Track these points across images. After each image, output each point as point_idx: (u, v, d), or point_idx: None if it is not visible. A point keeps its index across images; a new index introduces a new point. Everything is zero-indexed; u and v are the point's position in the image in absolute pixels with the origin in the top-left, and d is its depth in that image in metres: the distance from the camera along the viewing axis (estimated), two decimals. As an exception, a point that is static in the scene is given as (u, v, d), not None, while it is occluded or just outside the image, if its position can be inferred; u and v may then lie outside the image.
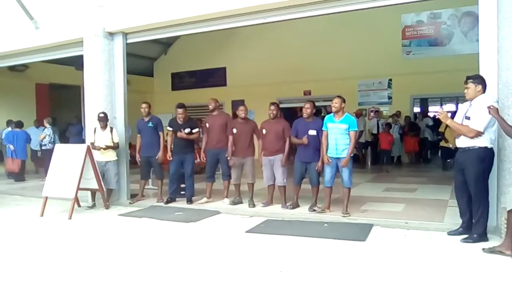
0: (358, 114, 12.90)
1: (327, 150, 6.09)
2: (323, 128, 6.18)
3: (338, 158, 6.00)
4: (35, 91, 13.64)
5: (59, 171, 7.01)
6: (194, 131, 7.43)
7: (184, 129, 7.34)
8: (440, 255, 4.33)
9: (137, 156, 7.73)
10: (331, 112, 6.24)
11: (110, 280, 3.89)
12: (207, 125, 7.37)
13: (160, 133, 7.63)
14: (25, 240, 5.43)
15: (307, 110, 6.49)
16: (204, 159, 7.42)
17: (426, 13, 13.34)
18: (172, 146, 7.56)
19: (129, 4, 7.63)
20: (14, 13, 8.70)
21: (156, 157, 7.51)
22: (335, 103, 6.06)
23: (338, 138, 5.98)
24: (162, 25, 7.50)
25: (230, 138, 7.08)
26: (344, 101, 6.15)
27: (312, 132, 6.36)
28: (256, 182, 7.07)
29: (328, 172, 6.11)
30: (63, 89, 14.20)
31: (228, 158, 7.08)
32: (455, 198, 5.17)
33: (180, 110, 7.39)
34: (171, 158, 7.45)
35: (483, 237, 4.66)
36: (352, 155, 6.08)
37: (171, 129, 7.48)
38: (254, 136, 7.14)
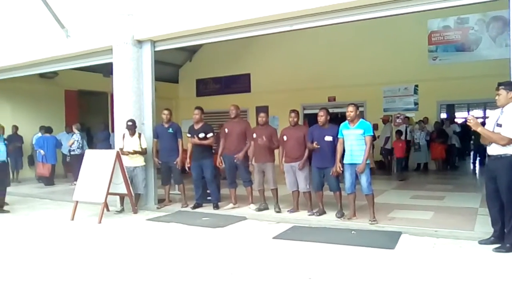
0: (385, 120, 12.80)
1: (343, 157, 6.11)
2: (338, 136, 6.23)
3: (354, 164, 5.99)
4: (64, 97, 13.98)
5: (89, 176, 7.17)
6: (208, 135, 7.48)
7: (198, 134, 7.42)
8: (472, 265, 4.26)
9: (155, 160, 7.84)
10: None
11: (141, 284, 3.97)
12: (226, 130, 7.43)
13: (179, 140, 7.76)
14: (57, 243, 5.58)
15: (321, 117, 6.53)
16: (221, 164, 7.48)
17: (453, 18, 13.15)
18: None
19: (157, 13, 7.78)
20: (45, 22, 8.96)
21: (175, 162, 7.61)
22: (350, 112, 6.08)
23: (354, 144, 5.99)
24: (189, 33, 7.62)
25: (252, 143, 7.15)
26: (357, 108, 6.20)
27: (328, 138, 6.40)
28: (279, 188, 7.10)
29: (348, 179, 6.10)
30: (91, 95, 14.54)
31: (238, 159, 7.13)
32: (485, 206, 5.08)
33: (196, 111, 7.53)
34: (189, 164, 7.55)
35: (516, 246, 4.57)
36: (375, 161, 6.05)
37: (189, 135, 7.57)
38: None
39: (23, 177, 12.42)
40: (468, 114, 15.73)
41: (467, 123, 4.85)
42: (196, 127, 7.52)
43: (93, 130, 13.58)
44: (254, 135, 7.10)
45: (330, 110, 7.00)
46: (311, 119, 13.54)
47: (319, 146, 6.34)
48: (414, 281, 3.83)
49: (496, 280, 3.83)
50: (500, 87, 4.71)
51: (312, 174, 6.65)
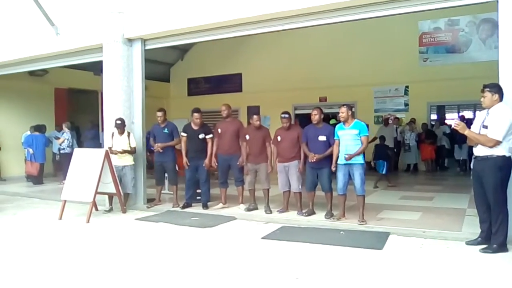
0: (387, 121, 12.89)
1: (337, 157, 6.10)
2: (334, 138, 6.21)
3: (348, 165, 5.98)
4: (54, 95, 13.84)
5: (77, 175, 7.11)
6: (207, 137, 7.47)
7: (198, 135, 7.40)
8: (458, 265, 4.29)
9: (156, 147, 7.66)
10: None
11: (127, 283, 3.94)
12: (219, 130, 7.41)
13: (176, 140, 7.71)
14: (44, 243, 5.53)
15: (315, 116, 6.52)
16: (216, 164, 7.46)
17: (443, 20, 13.22)
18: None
19: (148, 11, 7.74)
20: (35, 19, 8.88)
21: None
22: (342, 113, 6.11)
23: (349, 144, 5.99)
24: (180, 32, 7.59)
25: (244, 144, 7.13)
26: (350, 109, 6.19)
27: (322, 138, 6.40)
28: (270, 188, 7.09)
29: (340, 179, 6.10)
30: (81, 93, 14.40)
31: (243, 164, 7.13)
32: (473, 206, 5.13)
33: (196, 115, 7.44)
34: (187, 166, 7.47)
35: (502, 247, 4.60)
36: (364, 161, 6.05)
37: (185, 134, 7.53)
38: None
39: (12, 175, 12.30)
40: (459, 115, 15.78)
41: (454, 128, 4.85)
42: (195, 127, 7.47)
43: (82, 129, 13.48)
44: (247, 137, 7.08)
45: (321, 110, 6.98)
46: (302, 119, 13.59)
47: (315, 158, 6.29)
48: (401, 282, 3.84)
49: (482, 280, 3.86)
50: (486, 89, 4.74)
51: (307, 174, 6.63)
